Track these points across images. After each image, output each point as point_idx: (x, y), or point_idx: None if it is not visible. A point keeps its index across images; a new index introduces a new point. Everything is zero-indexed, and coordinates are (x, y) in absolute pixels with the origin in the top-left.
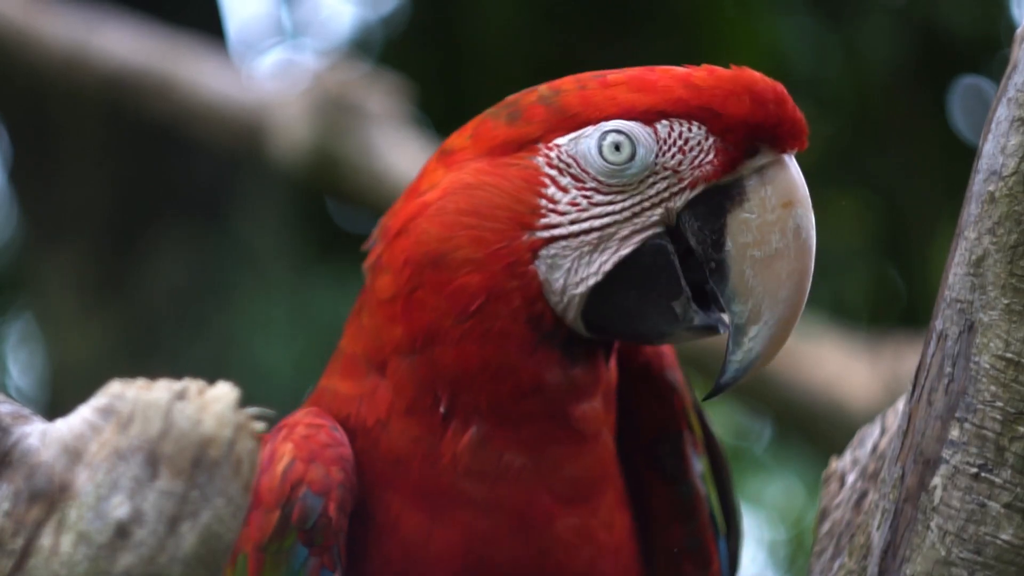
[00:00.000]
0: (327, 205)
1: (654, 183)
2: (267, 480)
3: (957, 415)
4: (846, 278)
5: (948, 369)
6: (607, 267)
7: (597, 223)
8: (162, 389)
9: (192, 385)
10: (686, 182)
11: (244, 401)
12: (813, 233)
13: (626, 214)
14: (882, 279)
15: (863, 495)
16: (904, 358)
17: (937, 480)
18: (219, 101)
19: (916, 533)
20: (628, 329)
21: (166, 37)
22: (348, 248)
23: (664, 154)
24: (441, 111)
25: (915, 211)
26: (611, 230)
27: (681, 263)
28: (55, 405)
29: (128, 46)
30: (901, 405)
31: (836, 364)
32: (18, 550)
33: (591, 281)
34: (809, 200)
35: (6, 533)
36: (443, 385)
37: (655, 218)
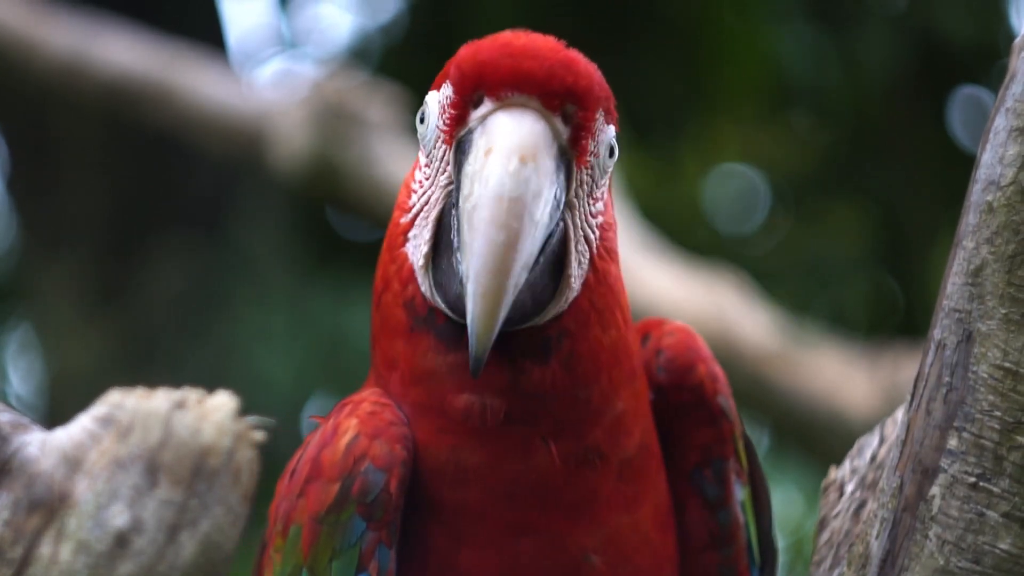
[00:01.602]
0: (327, 214)
1: (438, 145)
2: (329, 453)
3: (955, 425)
4: (845, 287)
5: (947, 379)
6: (428, 233)
7: (424, 196)
8: (161, 398)
9: (191, 394)
10: (443, 140)
11: (243, 410)
12: (510, 181)
13: (431, 181)
14: (881, 288)
15: (862, 504)
16: (903, 367)
17: (936, 489)
18: (219, 110)
19: (915, 542)
20: (450, 298)
21: (166, 46)
22: (348, 256)
23: (440, 117)
24: None
25: (914, 220)
26: (430, 198)
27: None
28: (54, 414)
29: (128, 55)
30: (900, 414)
31: (835, 373)
32: (18, 559)
33: (424, 249)
34: (517, 148)
35: (6, 542)
36: (383, 382)
37: (446, 178)
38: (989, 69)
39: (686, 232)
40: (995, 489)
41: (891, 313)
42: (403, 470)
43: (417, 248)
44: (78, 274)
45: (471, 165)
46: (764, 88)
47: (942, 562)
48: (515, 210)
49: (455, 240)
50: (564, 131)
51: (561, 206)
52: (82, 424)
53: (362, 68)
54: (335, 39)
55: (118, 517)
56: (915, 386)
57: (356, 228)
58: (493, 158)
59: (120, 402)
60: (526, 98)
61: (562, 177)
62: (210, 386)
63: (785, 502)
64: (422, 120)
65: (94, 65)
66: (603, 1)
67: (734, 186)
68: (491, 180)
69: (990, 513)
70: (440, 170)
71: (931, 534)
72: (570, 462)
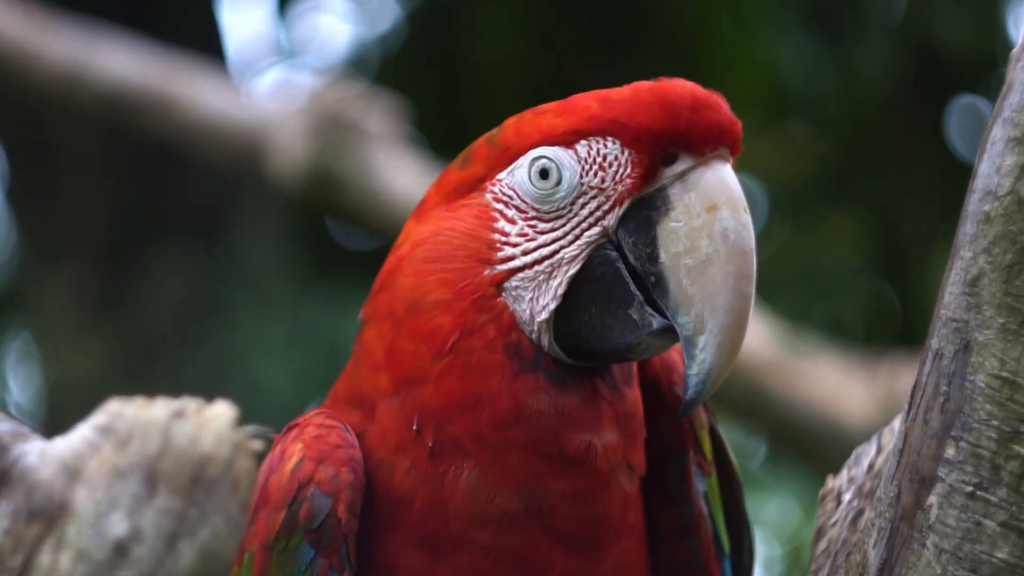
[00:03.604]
0: (325, 223)
1: (584, 204)
2: (276, 479)
3: (953, 434)
4: (842, 296)
5: (944, 388)
6: (562, 289)
7: (545, 251)
8: (161, 407)
9: (190, 403)
10: (613, 199)
11: (242, 419)
12: (747, 234)
13: (569, 238)
14: (878, 298)
15: (859, 513)
16: (900, 377)
17: (933, 499)
18: (218, 120)
19: (912, 551)
20: (599, 346)
21: (165, 56)
22: (346, 266)
23: (587, 174)
24: (438, 129)
25: (911, 230)
26: (559, 255)
27: (632, 278)
28: (54, 423)
29: (127, 65)
30: (897, 423)
31: (832, 382)
32: (17, 568)
33: (552, 306)
34: (740, 201)
35: (5, 551)
36: (428, 420)
37: (595, 235)
38: (987, 79)
39: None
40: (992, 498)
41: (889, 322)
42: (351, 493)
43: (535, 300)
44: (78, 283)
45: (683, 222)
46: (762, 97)
47: (939, 571)
48: (752, 261)
49: (636, 294)
50: None
51: None
52: (81, 433)
53: (361, 78)
54: (334, 49)
55: (117, 526)
56: (912, 395)
57: (355, 237)
58: (724, 214)
59: (119, 411)
60: (723, 151)
61: None
62: (209, 395)
63: (782, 511)
64: (544, 176)
65: (93, 75)
66: (601, 10)
67: None
68: (730, 235)
69: (987, 522)
70: (585, 226)
71: (928, 543)
72: (617, 483)
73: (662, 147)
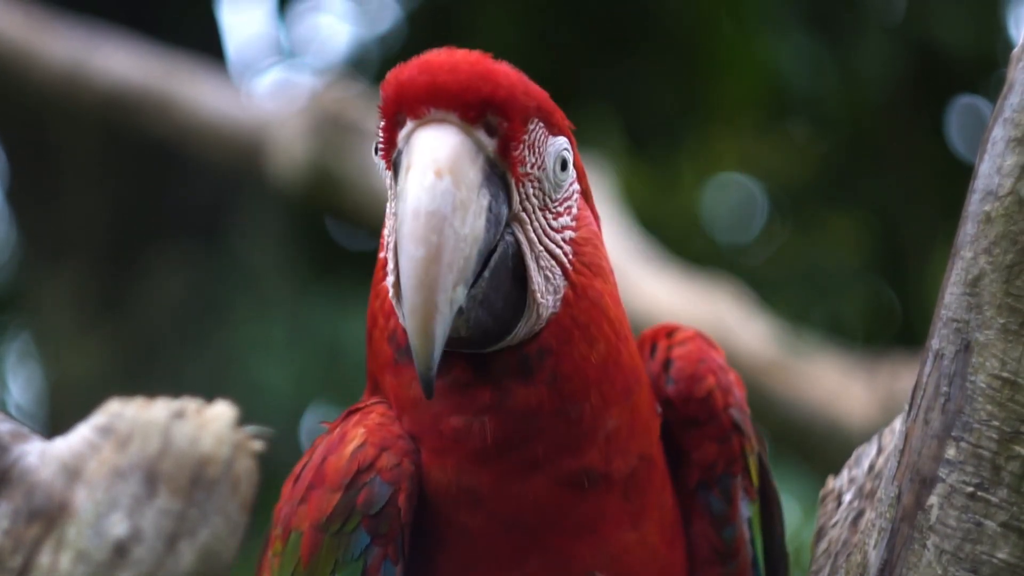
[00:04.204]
0: (325, 223)
1: (385, 173)
2: (334, 459)
3: (953, 434)
4: (843, 297)
5: (944, 388)
6: (392, 264)
7: (388, 228)
8: (161, 408)
9: (190, 404)
10: (385, 165)
11: (242, 420)
12: (425, 196)
13: (391, 210)
14: (879, 298)
15: (860, 514)
16: (900, 377)
17: (933, 499)
18: (218, 120)
19: (912, 552)
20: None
21: (165, 56)
22: (347, 266)
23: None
24: None
25: (911, 230)
26: (391, 229)
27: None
28: (54, 423)
29: (127, 65)
30: (897, 424)
31: (833, 383)
32: (17, 568)
33: (391, 279)
34: (431, 161)
35: (5, 551)
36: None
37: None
38: (987, 79)
39: (684, 241)
40: (993, 499)
41: (889, 322)
42: (411, 485)
43: (388, 281)
44: (78, 284)
45: (399, 184)
46: (762, 98)
47: (940, 572)
48: (433, 224)
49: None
50: (490, 143)
51: (503, 220)
52: (81, 433)
53: (361, 78)
54: (334, 49)
55: (117, 526)
56: (913, 396)
57: (355, 237)
58: (411, 174)
59: (119, 411)
60: (444, 113)
61: (500, 191)
62: (209, 395)
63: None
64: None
65: (93, 75)
66: (601, 12)
67: (732, 196)
68: (408, 196)
69: (988, 523)
70: (391, 197)
71: (929, 544)
72: (566, 483)
73: (391, 111)
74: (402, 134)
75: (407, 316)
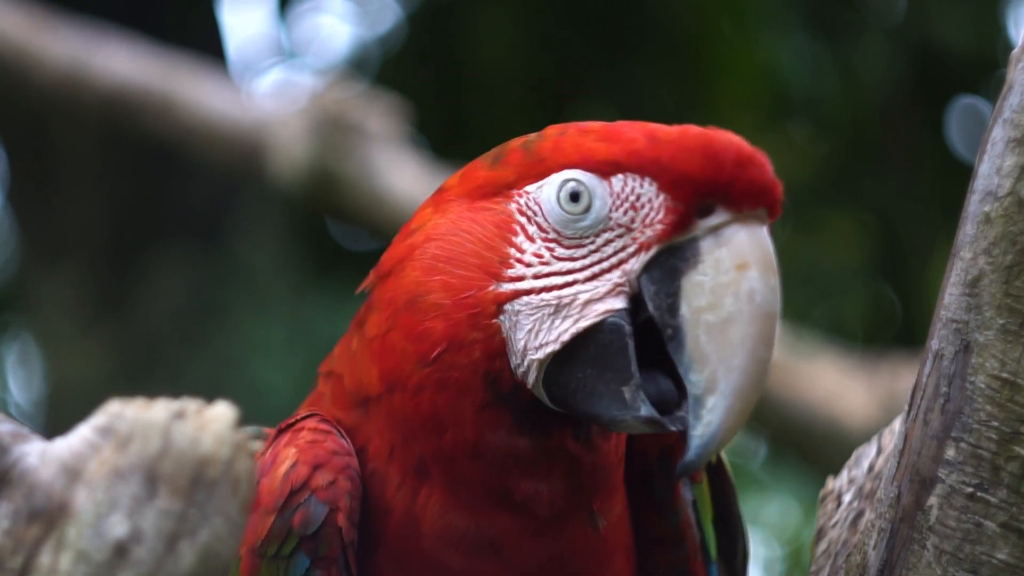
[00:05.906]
0: (326, 224)
1: (609, 240)
2: (267, 482)
3: (953, 435)
4: (843, 298)
5: (944, 389)
6: (565, 337)
7: (558, 280)
8: (161, 408)
9: (191, 404)
10: (639, 242)
11: (242, 420)
12: (773, 298)
13: (585, 274)
14: (878, 299)
15: (859, 514)
16: (900, 377)
17: (933, 500)
18: (218, 120)
19: (912, 552)
20: (582, 406)
21: (166, 57)
22: (347, 267)
23: (617, 209)
24: (438, 130)
25: (911, 231)
26: (571, 291)
27: (645, 336)
28: (54, 424)
29: (128, 66)
30: (897, 424)
31: (832, 383)
32: (17, 568)
33: (550, 349)
34: (771, 264)
35: (5, 551)
36: (397, 434)
37: (615, 280)
38: (987, 79)
39: None
40: (993, 499)
41: (889, 323)
42: (350, 502)
43: (533, 334)
44: (78, 285)
45: (710, 277)
46: (762, 98)
47: (939, 572)
48: (775, 327)
49: (635, 375)
50: None
51: None
52: (81, 434)
53: (361, 78)
54: (334, 50)
55: (117, 527)
56: (913, 396)
57: (355, 238)
58: (753, 274)
59: (119, 412)
60: (759, 211)
61: None
62: (209, 396)
63: (782, 512)
64: (574, 200)
65: (94, 76)
66: (601, 12)
67: None
68: (756, 297)
69: (987, 523)
70: (606, 264)
71: (928, 544)
72: (577, 524)
73: (700, 197)
74: (710, 222)
75: (730, 412)
